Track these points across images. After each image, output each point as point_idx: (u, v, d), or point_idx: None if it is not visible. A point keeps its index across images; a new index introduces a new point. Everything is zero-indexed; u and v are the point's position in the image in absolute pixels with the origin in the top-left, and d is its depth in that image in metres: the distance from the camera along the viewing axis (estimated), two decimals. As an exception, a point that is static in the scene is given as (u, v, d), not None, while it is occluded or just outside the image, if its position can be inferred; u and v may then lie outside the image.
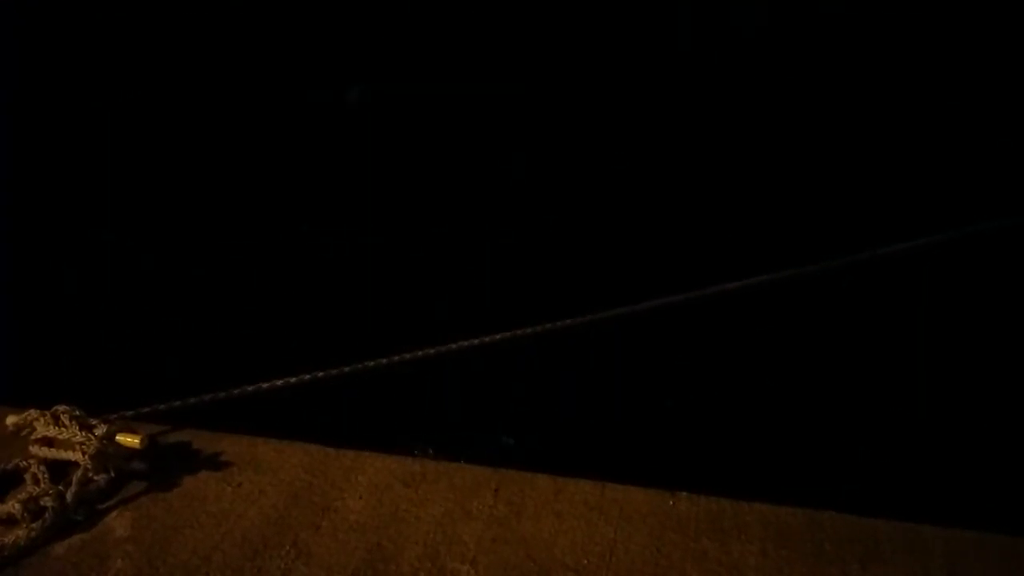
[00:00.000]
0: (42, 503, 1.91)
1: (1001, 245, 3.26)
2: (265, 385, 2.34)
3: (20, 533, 1.85)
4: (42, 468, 1.99)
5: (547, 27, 4.35)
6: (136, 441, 2.02)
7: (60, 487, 1.94)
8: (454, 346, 2.63)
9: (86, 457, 1.97)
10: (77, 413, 2.06)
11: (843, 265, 3.11)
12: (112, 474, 2.00)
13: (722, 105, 4.06)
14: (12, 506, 1.89)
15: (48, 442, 2.03)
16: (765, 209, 3.58)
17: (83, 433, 2.01)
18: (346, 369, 2.44)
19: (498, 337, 2.68)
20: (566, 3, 4.33)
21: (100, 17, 4.28)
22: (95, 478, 1.98)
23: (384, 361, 2.49)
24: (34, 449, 2.03)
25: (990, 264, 3.26)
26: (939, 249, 3.25)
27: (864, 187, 3.69)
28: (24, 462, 2.02)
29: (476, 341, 2.66)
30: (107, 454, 1.99)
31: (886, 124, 3.96)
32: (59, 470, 1.99)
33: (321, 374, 2.40)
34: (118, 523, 1.93)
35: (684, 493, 1.97)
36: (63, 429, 2.02)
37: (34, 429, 2.05)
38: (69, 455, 2.00)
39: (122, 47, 4.19)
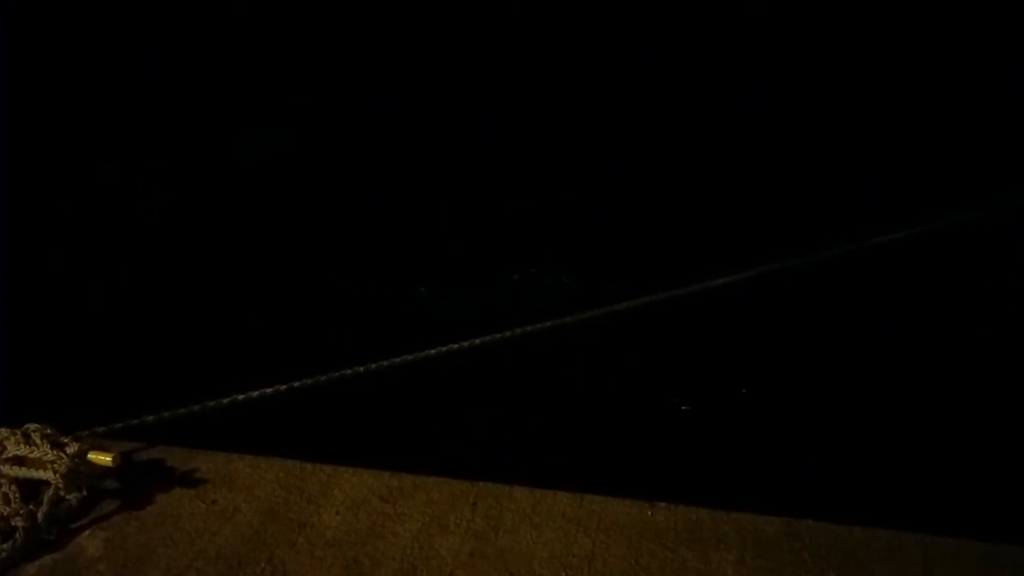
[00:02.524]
0: (13, 523, 1.89)
1: (980, 244, 3.27)
2: (240, 397, 2.32)
3: (-9, 554, 1.83)
4: (13, 487, 1.96)
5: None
6: (108, 459, 1.99)
7: (31, 506, 1.91)
8: (432, 352, 2.62)
9: (57, 476, 1.95)
10: (48, 431, 2.03)
11: (818, 264, 3.11)
12: (84, 493, 1.97)
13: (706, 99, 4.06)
14: (-18, 527, 1.87)
15: (19, 461, 2.00)
16: (738, 207, 3.58)
17: (54, 451, 1.98)
18: (322, 378, 2.42)
19: (477, 342, 2.67)
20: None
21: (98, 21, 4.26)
22: (67, 497, 1.95)
23: (361, 370, 2.48)
24: (4, 468, 2.00)
25: (970, 265, 3.26)
26: (917, 248, 3.25)
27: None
28: (-6, 481, 1.99)
29: (455, 346, 2.65)
30: (79, 472, 1.97)
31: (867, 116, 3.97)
32: (31, 489, 1.96)
33: (296, 384, 2.38)
34: (90, 542, 1.90)
35: (662, 503, 1.97)
36: (34, 448, 1.99)
37: (4, 448, 2.02)
38: (40, 474, 1.97)
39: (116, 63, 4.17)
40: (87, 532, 1.93)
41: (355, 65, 4.35)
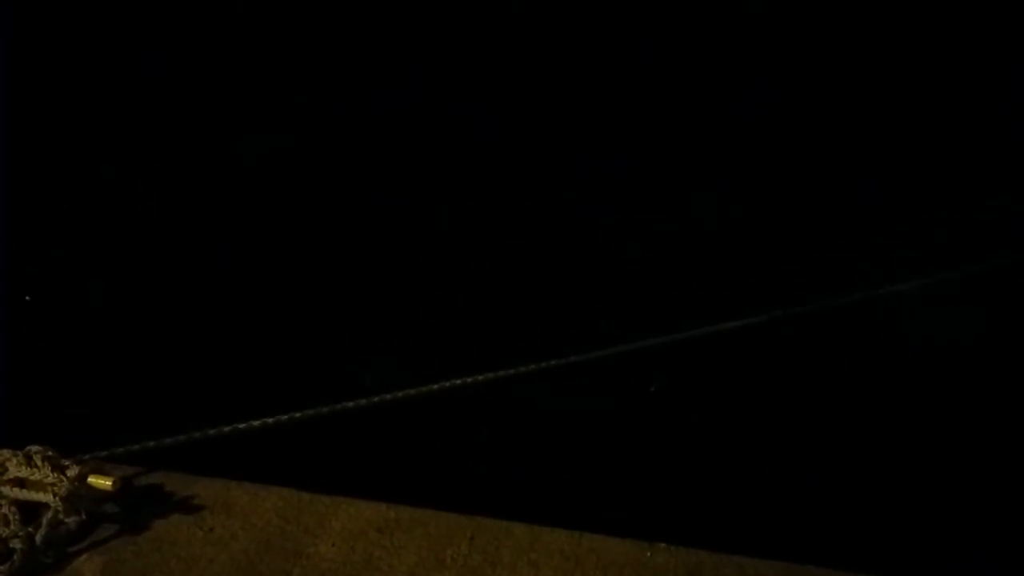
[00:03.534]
0: (11, 545, 1.88)
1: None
2: (241, 426, 2.32)
3: (-13, 576, 1.82)
4: (13, 509, 1.95)
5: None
6: (108, 483, 1.99)
7: (30, 529, 1.91)
8: (435, 387, 2.63)
9: (57, 499, 1.94)
10: (50, 454, 2.02)
11: (826, 310, 3.12)
12: (83, 516, 1.96)
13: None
14: (-20, 548, 1.87)
15: (20, 483, 1.99)
16: (751, 248, 3.58)
17: (55, 474, 1.98)
18: (324, 410, 2.43)
19: (480, 378, 2.68)
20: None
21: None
22: (66, 520, 1.94)
23: (363, 402, 2.48)
24: (5, 490, 1.99)
25: (978, 310, 3.26)
26: (927, 291, 3.25)
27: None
28: (-6, 503, 1.99)
29: (458, 382, 2.66)
30: (78, 496, 1.96)
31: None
32: (30, 511, 1.96)
33: (298, 415, 2.39)
34: (87, 567, 1.90)
35: (662, 544, 1.95)
36: (35, 470, 1.99)
37: (6, 469, 2.01)
38: (40, 496, 1.96)
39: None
40: (84, 556, 1.92)
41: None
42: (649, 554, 1.93)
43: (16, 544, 1.88)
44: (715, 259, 3.52)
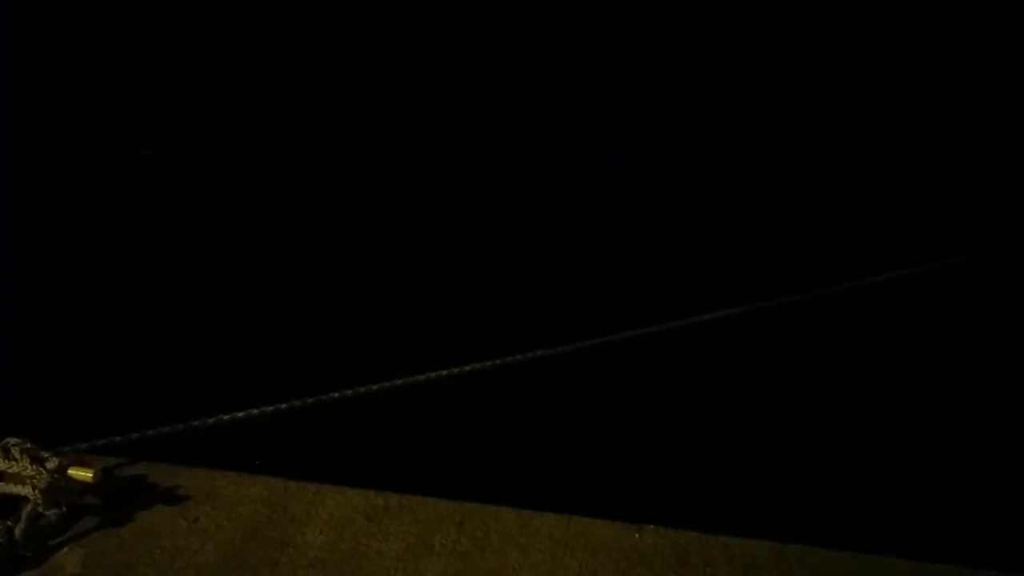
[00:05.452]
0: (-10, 539, 1.87)
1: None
2: (226, 417, 2.29)
3: (-34, 571, 1.80)
4: (-9, 503, 1.94)
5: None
6: (89, 475, 1.96)
7: (9, 522, 1.88)
8: (421, 377, 2.60)
9: (36, 492, 1.92)
10: (28, 446, 1.99)
11: (820, 296, 3.10)
12: (64, 509, 1.94)
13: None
14: (-42, 542, 1.84)
15: (-2, 476, 1.98)
16: (739, 238, 3.57)
17: (34, 467, 1.95)
18: (309, 401, 2.40)
19: (467, 368, 2.66)
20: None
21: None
22: (45, 513, 1.92)
23: (349, 393, 2.46)
24: (-17, 484, 1.98)
25: (979, 294, 3.24)
26: (922, 279, 3.23)
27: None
28: (-27, 497, 1.97)
29: (444, 372, 2.64)
30: (58, 488, 1.93)
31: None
32: (9, 505, 1.93)
33: (283, 406, 2.36)
34: (69, 559, 1.87)
35: (650, 526, 1.94)
36: (13, 463, 1.96)
37: (-16, 463, 2.00)
38: (19, 489, 1.93)
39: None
40: (66, 549, 1.89)
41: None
42: (638, 536, 1.92)
43: (-5, 538, 1.86)
44: (714, 258, 3.51)
